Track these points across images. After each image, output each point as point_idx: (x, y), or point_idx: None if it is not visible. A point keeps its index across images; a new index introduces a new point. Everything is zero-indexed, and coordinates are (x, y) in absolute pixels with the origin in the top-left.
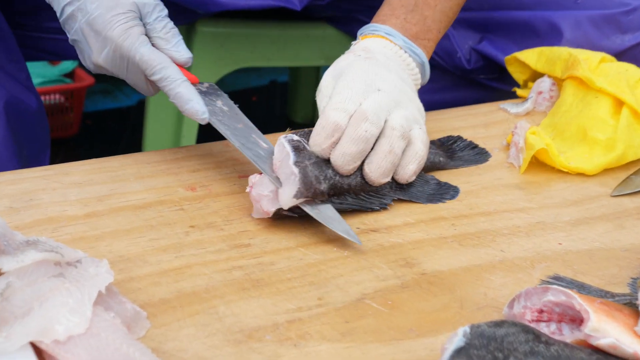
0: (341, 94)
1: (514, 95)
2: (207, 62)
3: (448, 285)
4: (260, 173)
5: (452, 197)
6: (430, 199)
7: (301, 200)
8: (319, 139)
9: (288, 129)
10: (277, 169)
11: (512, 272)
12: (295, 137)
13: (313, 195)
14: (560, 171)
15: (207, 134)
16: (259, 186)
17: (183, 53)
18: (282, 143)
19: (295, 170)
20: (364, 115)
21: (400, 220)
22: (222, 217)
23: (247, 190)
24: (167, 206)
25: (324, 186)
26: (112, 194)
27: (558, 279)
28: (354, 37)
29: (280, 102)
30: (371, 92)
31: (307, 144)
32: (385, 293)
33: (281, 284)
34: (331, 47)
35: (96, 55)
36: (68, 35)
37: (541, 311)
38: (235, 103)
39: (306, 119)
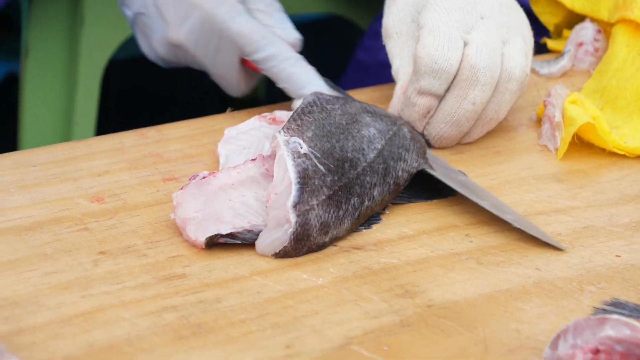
0: (431, 40)
1: (544, 49)
2: (105, 18)
3: (465, 321)
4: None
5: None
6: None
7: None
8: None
9: (229, 109)
10: (268, 200)
11: (552, 298)
12: (303, 146)
13: (307, 251)
14: (613, 154)
15: (112, 119)
16: (183, 206)
17: (291, 32)
18: (283, 160)
19: (293, 218)
20: (472, 75)
21: (394, 232)
22: (144, 237)
23: (171, 216)
24: (65, 225)
25: (328, 237)
26: None
27: (617, 306)
28: None
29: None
30: (474, 23)
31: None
32: (378, 335)
33: (232, 328)
34: None
35: (174, 30)
36: (127, 12)
37: (597, 351)
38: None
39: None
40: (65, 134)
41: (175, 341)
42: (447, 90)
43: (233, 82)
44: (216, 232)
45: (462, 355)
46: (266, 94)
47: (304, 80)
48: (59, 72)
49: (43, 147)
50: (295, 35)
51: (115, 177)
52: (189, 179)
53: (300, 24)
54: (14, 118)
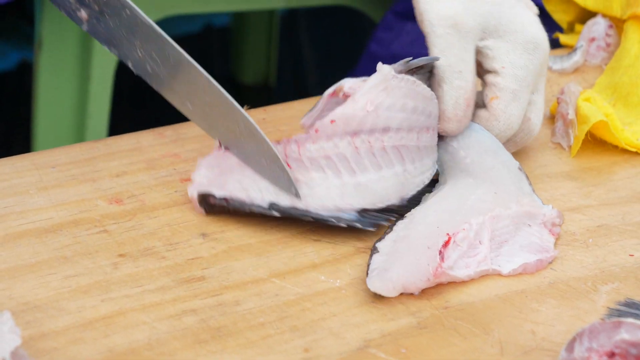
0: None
1: (556, 45)
2: None
3: (481, 322)
4: None
5: None
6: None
7: None
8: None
9: (245, 107)
10: None
11: (567, 298)
12: None
13: None
14: (626, 151)
15: (124, 112)
16: (198, 170)
17: None
18: None
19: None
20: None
21: None
22: (163, 239)
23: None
24: (84, 228)
25: None
26: (6, 214)
27: (631, 306)
28: None
29: (219, 56)
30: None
31: None
32: (396, 337)
33: (251, 331)
34: None
35: None
36: None
37: (612, 354)
38: None
39: (258, 80)
40: (79, 126)
41: (194, 345)
42: None
43: None
44: (209, 192)
45: (479, 357)
46: (277, 81)
47: None
48: (73, 64)
49: (61, 147)
50: None
51: (134, 178)
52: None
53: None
54: (27, 105)
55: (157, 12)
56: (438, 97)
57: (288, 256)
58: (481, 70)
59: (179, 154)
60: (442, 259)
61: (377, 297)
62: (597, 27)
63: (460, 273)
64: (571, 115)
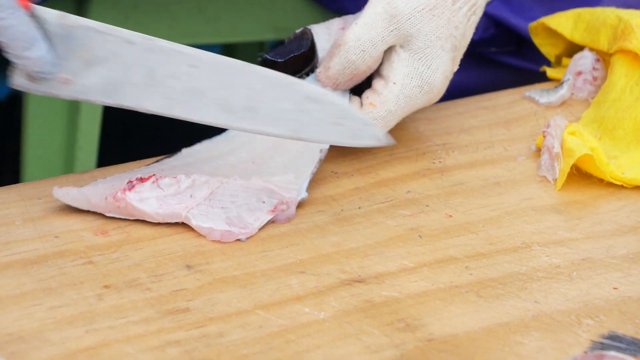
0: None
1: (543, 78)
2: None
3: (465, 355)
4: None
5: None
6: None
7: None
8: None
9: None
10: None
11: (551, 331)
12: None
13: None
14: (611, 185)
15: (114, 143)
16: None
17: None
18: None
19: None
20: None
21: (395, 264)
22: (148, 271)
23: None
24: (69, 259)
25: None
26: None
27: (615, 339)
28: None
29: None
30: None
31: None
32: None
33: None
34: (282, 13)
35: None
36: None
37: None
38: None
39: None
40: (68, 158)
41: None
42: None
43: None
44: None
45: None
46: None
47: (31, 39)
48: None
49: (48, 179)
50: None
51: None
52: None
53: None
54: (17, 137)
55: None
56: (332, 53)
57: (272, 288)
58: (376, 72)
59: None
60: (129, 188)
61: (361, 330)
62: (584, 60)
63: (146, 207)
64: (557, 148)
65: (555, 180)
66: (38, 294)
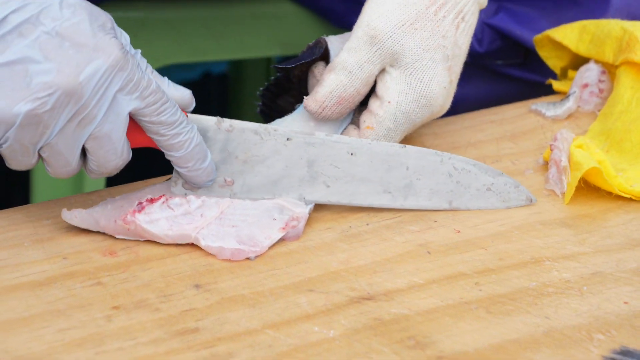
0: None
1: (549, 91)
2: None
3: None
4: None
5: None
6: None
7: None
8: None
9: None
10: None
11: (562, 347)
12: None
13: None
14: (620, 198)
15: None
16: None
17: (184, 91)
18: None
19: None
20: None
21: (404, 281)
22: (157, 291)
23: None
24: (78, 280)
25: None
26: (0, 267)
27: (626, 354)
28: (320, 15)
29: (217, 103)
30: None
31: None
32: None
33: None
34: (288, 29)
35: (73, 71)
36: None
37: None
38: None
39: None
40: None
41: None
42: None
43: (118, 145)
44: None
45: None
46: None
47: (205, 153)
48: None
49: (57, 199)
50: (188, 92)
51: None
52: None
53: None
54: None
55: (156, 61)
56: (321, 80)
57: (281, 307)
58: (372, 94)
59: None
60: (139, 210)
61: (371, 348)
62: (590, 73)
63: (155, 229)
64: (564, 162)
65: (563, 193)
66: (47, 317)
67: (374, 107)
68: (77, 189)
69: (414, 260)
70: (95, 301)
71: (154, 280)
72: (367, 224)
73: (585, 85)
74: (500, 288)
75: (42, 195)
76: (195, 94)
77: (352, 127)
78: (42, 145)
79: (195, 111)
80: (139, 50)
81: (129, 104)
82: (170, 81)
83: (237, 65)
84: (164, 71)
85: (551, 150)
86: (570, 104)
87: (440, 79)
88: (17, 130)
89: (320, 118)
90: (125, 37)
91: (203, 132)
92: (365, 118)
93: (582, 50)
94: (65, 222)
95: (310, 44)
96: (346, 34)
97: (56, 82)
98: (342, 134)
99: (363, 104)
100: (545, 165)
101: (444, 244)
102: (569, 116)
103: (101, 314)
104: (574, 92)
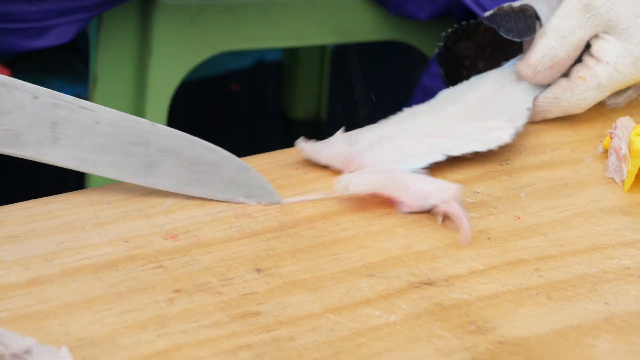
0: None
1: None
2: (172, 48)
3: (537, 357)
4: None
5: None
6: None
7: None
8: None
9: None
10: None
11: (623, 333)
12: None
13: None
14: None
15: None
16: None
17: None
18: None
19: None
20: None
21: (464, 267)
22: (218, 275)
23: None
24: (139, 263)
25: None
26: (62, 250)
27: None
28: (377, 2)
29: (271, 91)
30: None
31: None
32: None
33: None
34: (344, 17)
35: None
36: None
37: None
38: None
39: (309, 115)
40: None
41: None
42: None
43: None
44: None
45: None
46: (328, 116)
47: None
48: (127, 100)
49: (116, 183)
50: None
51: (188, 214)
52: None
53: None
54: None
55: (209, 49)
56: (533, 44)
57: (342, 291)
58: (587, 53)
59: None
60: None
61: (432, 333)
62: None
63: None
64: (624, 150)
65: (622, 181)
66: (109, 299)
67: (589, 63)
68: None
69: (474, 246)
70: (157, 284)
71: (215, 264)
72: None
73: None
74: (560, 274)
75: (98, 180)
76: (248, 82)
77: (562, 78)
78: None
79: (245, 102)
80: None
81: None
82: None
83: (291, 53)
84: (218, 58)
85: (611, 138)
86: (630, 92)
87: None
88: None
89: (533, 82)
90: None
91: None
92: (579, 69)
93: None
94: (126, 206)
95: (515, 7)
96: None
97: None
98: (552, 84)
99: None
100: (605, 153)
101: (504, 230)
102: (629, 104)
103: (163, 296)
104: None
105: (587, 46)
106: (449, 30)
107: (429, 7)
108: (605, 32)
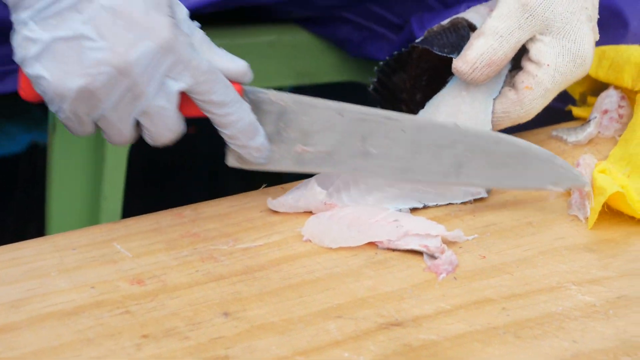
0: None
1: (569, 117)
2: None
3: None
4: None
5: None
6: None
7: None
8: None
9: (263, 186)
10: None
11: None
12: None
13: None
14: None
15: (141, 197)
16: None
17: (239, 63)
18: None
19: None
20: None
21: (431, 307)
22: (185, 319)
23: None
24: (107, 309)
25: None
26: (29, 297)
27: None
28: (337, 44)
29: None
30: None
31: None
32: None
33: None
34: (304, 59)
35: (125, 50)
36: (55, 33)
37: None
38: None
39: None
40: (93, 208)
41: None
42: None
43: (169, 121)
44: None
45: None
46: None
47: (256, 129)
48: (87, 147)
49: (81, 229)
50: (244, 65)
51: (154, 259)
52: None
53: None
54: (38, 187)
55: None
56: (470, 43)
57: (310, 334)
58: (526, 58)
59: (198, 233)
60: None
61: None
62: (610, 99)
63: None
64: (587, 187)
65: (586, 218)
66: (77, 345)
67: (530, 69)
68: (94, 219)
69: (441, 286)
70: (124, 330)
71: (182, 308)
72: (393, 251)
73: (605, 111)
74: (527, 313)
75: (58, 225)
76: (205, 125)
77: (507, 89)
78: (96, 117)
79: (204, 145)
80: (197, 25)
81: (178, 84)
82: (226, 52)
83: None
84: None
85: None
86: (591, 129)
87: (589, 38)
88: (71, 102)
89: (469, 79)
90: (181, 12)
91: (258, 105)
92: (523, 78)
93: (601, 75)
94: (91, 251)
95: (445, 24)
96: (478, 6)
97: (108, 60)
98: (497, 98)
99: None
100: (569, 191)
101: (470, 269)
102: (590, 142)
103: (130, 342)
104: (595, 117)
105: (525, 50)
106: (380, 63)
107: (389, 47)
108: (541, 34)
